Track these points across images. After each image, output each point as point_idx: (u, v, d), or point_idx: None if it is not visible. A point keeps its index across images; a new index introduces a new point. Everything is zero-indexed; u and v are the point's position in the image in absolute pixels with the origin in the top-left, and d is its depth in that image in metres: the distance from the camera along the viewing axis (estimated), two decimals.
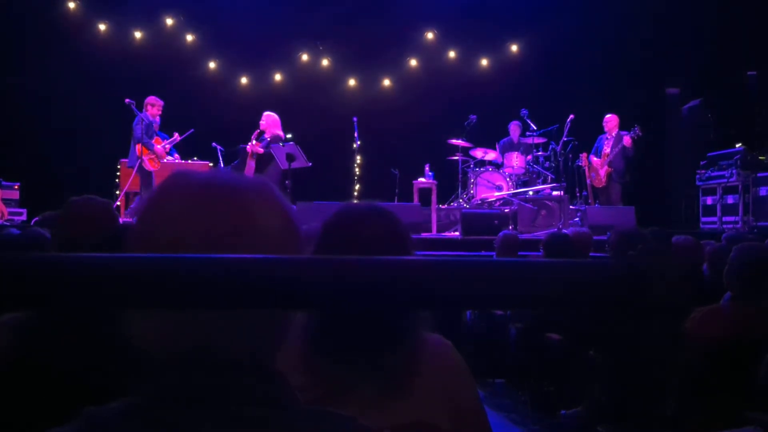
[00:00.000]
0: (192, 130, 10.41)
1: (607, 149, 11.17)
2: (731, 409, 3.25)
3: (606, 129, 11.35)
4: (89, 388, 1.79)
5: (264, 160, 10.12)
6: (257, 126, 10.39)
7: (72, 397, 1.70)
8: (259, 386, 0.95)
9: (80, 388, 1.91)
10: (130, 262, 0.75)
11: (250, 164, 10.11)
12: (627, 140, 11.03)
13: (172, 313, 0.92)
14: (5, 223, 9.85)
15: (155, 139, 10.09)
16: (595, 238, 6.89)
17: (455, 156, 11.70)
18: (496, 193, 11.36)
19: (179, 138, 10.39)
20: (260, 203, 0.98)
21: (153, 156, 9.93)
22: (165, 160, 10.11)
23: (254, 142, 10.03)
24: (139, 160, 9.84)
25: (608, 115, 11.38)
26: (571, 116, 11.20)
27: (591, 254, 6.29)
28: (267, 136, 10.20)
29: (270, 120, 10.31)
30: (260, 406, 0.93)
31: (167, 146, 10.24)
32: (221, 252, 0.89)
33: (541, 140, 11.75)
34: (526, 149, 11.89)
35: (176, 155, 10.52)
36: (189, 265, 0.75)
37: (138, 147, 9.92)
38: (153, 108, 10.16)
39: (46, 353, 2.12)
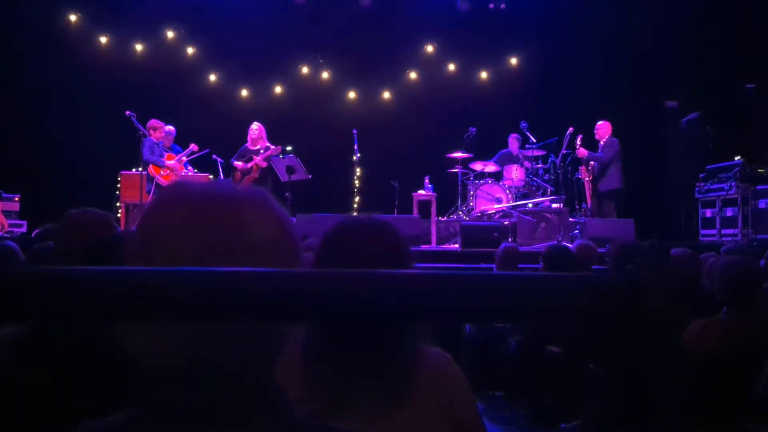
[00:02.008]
0: (207, 150, 10.51)
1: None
2: (729, 421, 3.25)
3: (597, 137, 11.21)
4: (88, 401, 1.79)
5: (264, 175, 10.20)
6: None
7: (71, 409, 1.70)
8: (255, 399, 0.94)
9: (79, 401, 1.91)
10: (125, 275, 0.75)
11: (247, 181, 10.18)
12: (581, 152, 11.07)
13: (169, 327, 0.91)
14: (5, 234, 9.85)
15: (167, 156, 10.20)
16: None
17: (455, 168, 11.71)
18: (496, 206, 11.37)
19: (196, 149, 10.44)
20: (257, 215, 0.98)
21: (167, 172, 10.02)
22: (183, 173, 10.20)
23: (261, 153, 10.17)
24: (154, 180, 9.98)
25: (599, 122, 11.27)
26: (571, 129, 11.20)
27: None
28: (264, 147, 10.27)
29: (263, 131, 10.52)
30: (257, 420, 0.93)
31: (183, 158, 10.31)
32: (218, 264, 0.89)
33: (540, 153, 11.77)
34: (525, 161, 11.91)
35: (190, 168, 10.56)
36: (185, 278, 0.75)
37: (151, 168, 10.04)
38: (156, 132, 10.28)
39: (45, 367, 2.11)
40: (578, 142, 11.08)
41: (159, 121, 10.39)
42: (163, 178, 9.99)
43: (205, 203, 0.97)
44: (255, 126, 10.53)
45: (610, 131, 11.15)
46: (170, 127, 10.63)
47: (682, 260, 5.57)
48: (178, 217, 0.96)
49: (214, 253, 0.93)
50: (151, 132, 10.25)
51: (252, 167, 10.24)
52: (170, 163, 10.06)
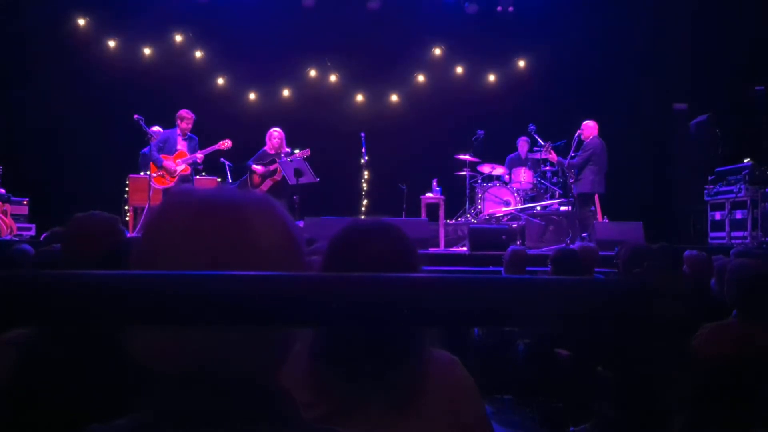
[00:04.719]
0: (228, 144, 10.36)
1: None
2: (739, 426, 3.23)
3: (582, 137, 10.83)
4: (95, 405, 1.79)
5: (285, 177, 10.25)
6: (264, 143, 10.48)
7: (78, 414, 1.70)
8: (262, 404, 0.94)
9: (86, 405, 1.91)
10: (132, 280, 0.75)
11: (268, 183, 10.20)
12: (552, 158, 10.97)
13: (176, 332, 0.91)
14: (14, 238, 9.88)
15: (177, 154, 10.03)
16: (602, 253, 6.87)
17: (463, 171, 11.71)
18: (504, 209, 11.36)
19: (224, 147, 10.28)
20: (260, 219, 0.98)
21: (162, 173, 9.90)
22: (179, 172, 9.99)
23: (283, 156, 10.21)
24: (150, 178, 9.88)
25: (585, 122, 10.91)
26: (579, 131, 11.16)
27: (597, 269, 6.27)
28: (285, 152, 10.31)
29: (284, 137, 10.50)
30: (264, 424, 0.93)
31: (187, 161, 10.11)
32: (223, 268, 0.89)
33: (546, 154, 11.73)
34: (533, 164, 11.89)
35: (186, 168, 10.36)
36: (192, 282, 0.75)
37: (152, 165, 9.98)
38: (183, 122, 10.11)
39: (52, 369, 2.12)
40: (548, 149, 10.99)
41: (190, 112, 10.16)
42: (154, 179, 9.89)
43: (209, 209, 0.97)
44: (276, 132, 10.43)
45: (594, 131, 10.77)
46: (157, 128, 10.48)
47: (695, 262, 5.55)
48: (183, 223, 0.96)
49: (220, 258, 0.93)
50: (178, 122, 10.09)
51: (276, 169, 10.23)
52: (167, 163, 9.95)
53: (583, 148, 10.69)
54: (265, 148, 10.47)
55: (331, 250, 1.83)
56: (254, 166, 10.34)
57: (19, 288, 0.74)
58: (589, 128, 10.82)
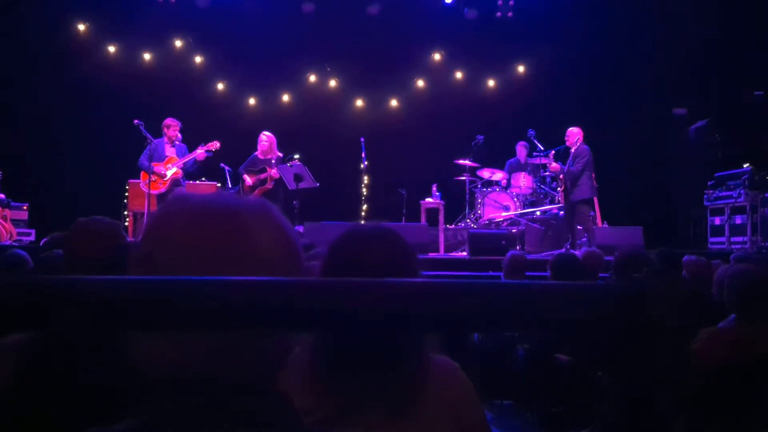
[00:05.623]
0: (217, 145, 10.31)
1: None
2: (739, 430, 3.22)
3: (568, 143, 10.59)
4: (93, 410, 1.79)
5: (277, 185, 10.18)
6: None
7: (76, 418, 1.70)
8: (260, 408, 0.94)
9: (85, 410, 1.91)
10: (133, 285, 0.76)
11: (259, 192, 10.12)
12: (553, 167, 10.84)
13: (175, 337, 0.91)
14: (14, 243, 9.87)
15: (167, 160, 10.00)
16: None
17: (462, 176, 11.72)
18: (504, 214, 11.36)
19: (214, 147, 10.24)
20: (258, 224, 0.99)
21: (154, 178, 9.85)
22: (170, 175, 9.96)
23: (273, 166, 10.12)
24: (145, 184, 9.84)
25: (570, 129, 10.62)
26: (572, 140, 11.10)
27: (600, 275, 6.28)
28: (273, 157, 10.23)
29: (274, 141, 10.39)
30: (263, 429, 0.93)
31: (180, 164, 10.06)
32: (221, 273, 0.89)
33: (548, 161, 11.73)
34: (533, 169, 11.89)
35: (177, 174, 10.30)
36: (191, 288, 0.75)
37: (142, 174, 10.01)
38: (170, 130, 10.10)
39: (51, 374, 2.12)
40: (551, 161, 10.93)
41: (174, 120, 10.17)
42: (145, 185, 9.80)
43: (206, 214, 0.98)
44: (265, 137, 10.34)
45: (581, 138, 10.52)
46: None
47: (694, 267, 5.55)
48: (181, 229, 0.96)
49: (217, 264, 0.93)
50: (165, 130, 10.10)
51: (267, 178, 10.17)
52: (158, 168, 9.92)
53: (579, 155, 10.52)
54: (256, 153, 10.41)
55: (330, 255, 1.83)
56: (245, 176, 10.25)
57: (18, 293, 0.74)
58: (575, 135, 10.57)
